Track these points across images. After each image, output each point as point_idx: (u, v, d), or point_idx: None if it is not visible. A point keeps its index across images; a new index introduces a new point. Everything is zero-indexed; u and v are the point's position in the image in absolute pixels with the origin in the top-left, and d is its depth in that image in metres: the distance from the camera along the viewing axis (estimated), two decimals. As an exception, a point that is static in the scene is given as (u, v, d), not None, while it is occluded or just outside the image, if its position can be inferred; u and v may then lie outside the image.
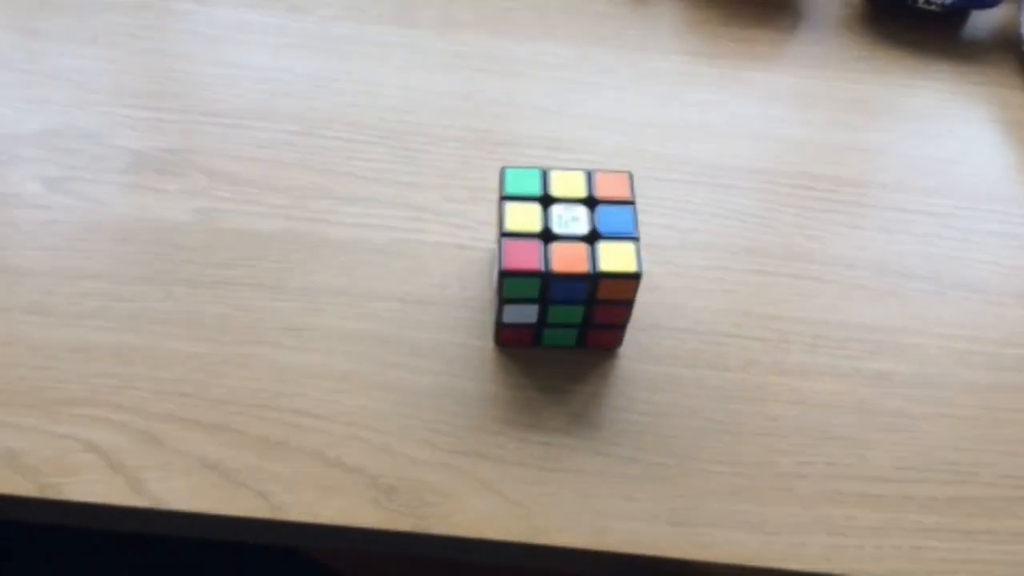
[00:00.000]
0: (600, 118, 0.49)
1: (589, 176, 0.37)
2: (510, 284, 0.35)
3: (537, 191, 0.37)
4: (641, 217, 0.44)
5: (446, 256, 0.42)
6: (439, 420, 0.37)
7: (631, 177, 0.37)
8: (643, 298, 0.41)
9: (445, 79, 0.50)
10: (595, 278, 0.35)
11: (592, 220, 0.36)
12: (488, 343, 0.39)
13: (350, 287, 0.41)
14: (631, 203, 0.37)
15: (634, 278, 0.35)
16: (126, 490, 0.34)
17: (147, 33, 0.51)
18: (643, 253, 0.43)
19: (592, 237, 0.36)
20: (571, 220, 0.36)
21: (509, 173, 0.37)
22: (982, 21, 0.57)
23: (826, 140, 0.49)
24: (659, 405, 0.38)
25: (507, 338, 0.39)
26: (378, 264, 0.41)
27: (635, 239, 0.36)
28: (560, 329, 0.38)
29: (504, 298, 0.36)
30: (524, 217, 0.36)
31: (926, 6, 0.54)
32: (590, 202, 0.37)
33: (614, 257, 0.35)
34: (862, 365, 0.40)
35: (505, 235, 0.35)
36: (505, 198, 0.36)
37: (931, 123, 0.50)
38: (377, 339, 0.39)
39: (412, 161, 0.46)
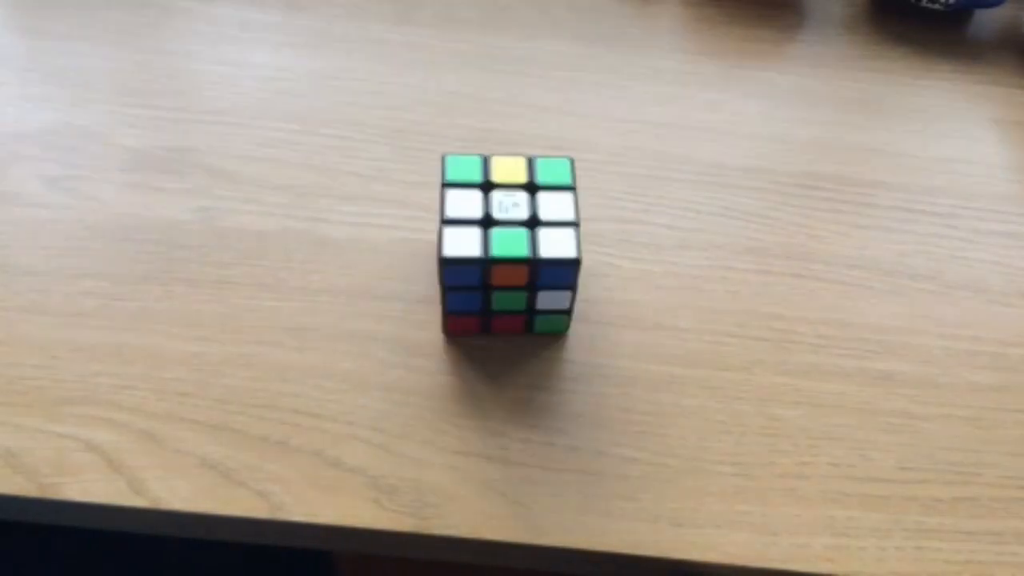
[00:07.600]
0: (602, 117, 0.48)
1: (530, 162, 0.38)
2: (450, 272, 0.35)
3: (478, 178, 0.37)
4: (643, 216, 0.44)
5: (447, 255, 0.42)
6: (440, 420, 0.37)
7: (572, 163, 0.38)
8: (645, 298, 0.41)
9: (446, 77, 0.50)
10: (536, 264, 0.35)
11: (533, 206, 0.36)
12: (489, 343, 0.39)
13: (350, 287, 0.40)
14: (572, 189, 0.37)
15: (573, 264, 0.35)
16: (126, 490, 0.34)
17: (147, 31, 0.51)
18: (644, 252, 0.43)
19: (532, 223, 0.36)
20: (512, 206, 0.36)
21: (450, 160, 0.38)
22: (986, 20, 0.57)
23: (829, 139, 0.49)
24: (661, 405, 0.38)
25: (453, 326, 0.39)
26: (378, 263, 0.41)
27: (575, 225, 0.36)
28: (507, 316, 0.38)
29: (446, 286, 0.36)
30: (464, 204, 0.36)
31: (930, 5, 0.53)
32: (531, 188, 0.37)
33: (554, 243, 0.35)
34: (865, 365, 0.40)
35: (445, 222, 0.36)
36: (446, 185, 0.37)
37: (935, 122, 0.50)
38: (377, 339, 0.39)
39: (413, 160, 0.46)
